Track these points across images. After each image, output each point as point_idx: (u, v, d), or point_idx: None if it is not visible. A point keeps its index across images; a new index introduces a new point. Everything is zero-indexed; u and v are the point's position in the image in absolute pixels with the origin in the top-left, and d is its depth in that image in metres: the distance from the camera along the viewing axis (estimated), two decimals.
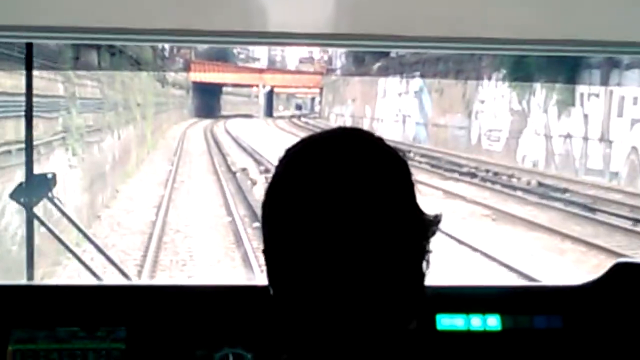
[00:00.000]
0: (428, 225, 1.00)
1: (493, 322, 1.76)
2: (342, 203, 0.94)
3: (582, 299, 1.82)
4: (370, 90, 42.20)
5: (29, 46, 2.01)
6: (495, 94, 25.11)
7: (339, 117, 50.39)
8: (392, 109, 36.55)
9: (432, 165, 22.87)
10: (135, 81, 20.45)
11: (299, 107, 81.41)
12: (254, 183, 16.34)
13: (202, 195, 15.95)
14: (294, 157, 1.02)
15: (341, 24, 1.49)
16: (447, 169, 21.78)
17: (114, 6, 1.35)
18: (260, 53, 68.24)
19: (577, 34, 1.46)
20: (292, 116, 66.89)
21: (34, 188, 2.14)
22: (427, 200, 1.07)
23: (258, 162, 21.32)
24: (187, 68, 48.20)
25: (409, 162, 1.05)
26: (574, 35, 1.46)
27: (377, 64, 39.40)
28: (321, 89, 67.05)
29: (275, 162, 1.04)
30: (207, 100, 57.91)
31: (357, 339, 0.96)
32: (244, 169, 19.41)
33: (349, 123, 47.21)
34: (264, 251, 1.02)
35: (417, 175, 1.04)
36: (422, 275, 1.00)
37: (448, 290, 1.71)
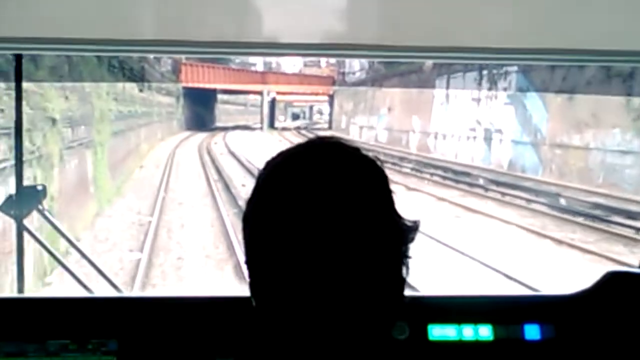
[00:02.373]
0: (407, 231, 0.98)
1: (485, 332, 1.72)
2: (321, 212, 0.93)
3: (574, 308, 1.78)
4: (420, 95, 31.03)
5: (19, 57, 1.96)
6: None
7: (366, 129, 39.41)
8: (462, 121, 25.24)
9: None
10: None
11: (296, 117, 73.11)
12: None
13: None
14: (273, 169, 1.00)
15: (333, 33, 1.46)
16: None
17: (104, 17, 1.31)
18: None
19: (578, 43, 1.45)
20: (298, 128, 56.64)
21: (24, 200, 2.08)
22: None
23: None
24: (176, 71, 38.26)
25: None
26: (576, 44, 1.45)
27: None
28: (331, 95, 56.96)
29: None
30: (201, 110, 49.37)
31: (338, 346, 0.94)
32: None
33: (383, 138, 36.28)
34: (246, 262, 1.00)
35: None
36: (402, 281, 0.98)
37: (439, 300, 1.59)
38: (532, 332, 1.71)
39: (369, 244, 0.93)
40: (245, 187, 17.23)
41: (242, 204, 1.13)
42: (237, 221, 11.62)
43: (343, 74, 53.59)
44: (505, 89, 22.63)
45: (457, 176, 21.23)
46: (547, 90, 20.07)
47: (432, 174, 22.35)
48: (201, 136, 39.72)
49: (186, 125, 43.89)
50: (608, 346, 1.71)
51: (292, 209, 0.93)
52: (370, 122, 38.77)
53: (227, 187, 17.21)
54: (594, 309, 1.75)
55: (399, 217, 0.97)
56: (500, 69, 22.68)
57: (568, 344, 1.71)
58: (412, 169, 24.06)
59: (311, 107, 75.61)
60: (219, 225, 11.85)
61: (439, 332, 1.69)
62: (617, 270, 1.83)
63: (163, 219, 12.35)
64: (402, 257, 0.96)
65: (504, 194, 17.14)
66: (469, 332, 1.70)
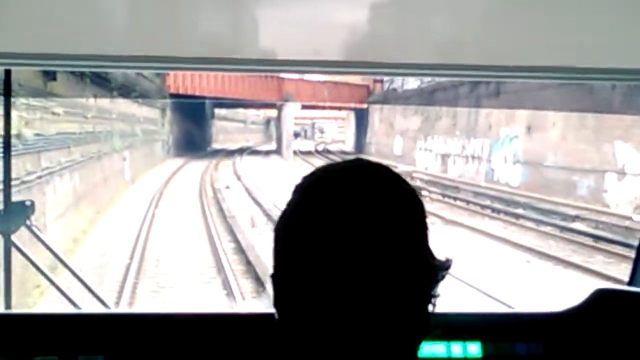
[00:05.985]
0: (437, 270, 0.96)
1: (474, 349, 1.67)
2: (355, 239, 0.91)
3: (562, 326, 1.75)
4: None
5: (8, 73, 1.98)
6: None
7: (458, 160, 24.34)
8: None
9: None
10: None
11: (295, 135, 59.59)
12: None
13: None
14: (310, 187, 0.97)
15: (347, 51, 1.42)
16: None
17: (93, 33, 1.31)
18: None
19: (578, 61, 1.42)
20: (317, 151, 44.27)
21: (12, 216, 2.07)
22: None
23: None
24: (160, 74, 23.91)
25: None
26: (576, 62, 1.43)
27: None
28: (358, 110, 42.43)
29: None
30: (194, 128, 36.91)
31: None
32: None
33: (510, 177, 20.74)
34: (273, 276, 0.99)
35: None
36: (427, 318, 0.96)
37: None
38: (521, 349, 1.68)
39: (398, 279, 0.91)
40: None
41: None
42: None
43: (381, 81, 38.29)
44: None
45: None
46: None
47: None
48: (198, 167, 26.89)
49: (175, 150, 32.79)
50: None
51: (325, 232, 0.91)
52: (471, 150, 23.54)
53: None
54: (582, 326, 1.73)
55: (431, 254, 0.95)
56: None
57: None
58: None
59: (313, 125, 66.99)
60: None
61: (428, 349, 1.63)
62: (605, 288, 1.81)
63: None
64: (430, 294, 0.95)
65: None
66: (457, 349, 1.66)
